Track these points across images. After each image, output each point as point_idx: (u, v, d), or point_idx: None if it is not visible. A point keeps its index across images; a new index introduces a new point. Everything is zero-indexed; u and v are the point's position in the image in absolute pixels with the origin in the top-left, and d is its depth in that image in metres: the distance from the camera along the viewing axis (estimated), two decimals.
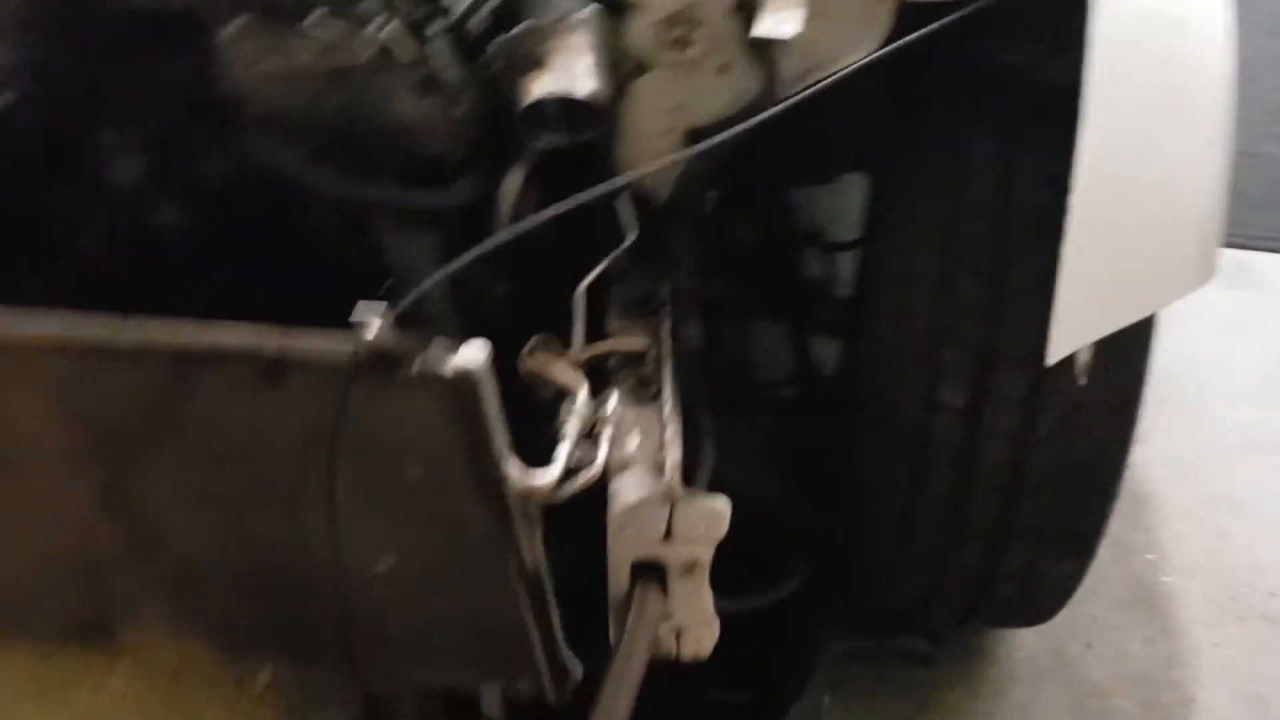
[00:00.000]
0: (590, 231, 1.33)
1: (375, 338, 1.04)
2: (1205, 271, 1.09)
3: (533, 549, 1.19)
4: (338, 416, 1.09)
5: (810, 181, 1.72)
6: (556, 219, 1.34)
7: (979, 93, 1.26)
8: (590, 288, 1.28)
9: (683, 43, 1.20)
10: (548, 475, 1.10)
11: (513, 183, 1.28)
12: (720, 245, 1.57)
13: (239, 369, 1.12)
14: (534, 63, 1.19)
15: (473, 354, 1.06)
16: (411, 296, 1.07)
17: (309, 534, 1.22)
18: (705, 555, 1.15)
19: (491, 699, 1.37)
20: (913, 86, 1.28)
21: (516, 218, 1.29)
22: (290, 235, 1.32)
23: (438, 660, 1.36)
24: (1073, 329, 1.05)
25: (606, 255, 1.29)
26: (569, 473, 1.10)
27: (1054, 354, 1.05)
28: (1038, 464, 1.29)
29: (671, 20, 1.19)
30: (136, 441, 1.24)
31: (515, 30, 1.19)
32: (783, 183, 1.67)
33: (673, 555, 1.15)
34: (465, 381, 1.05)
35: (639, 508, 1.11)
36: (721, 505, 1.11)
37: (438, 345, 1.06)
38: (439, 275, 1.08)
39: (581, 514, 1.20)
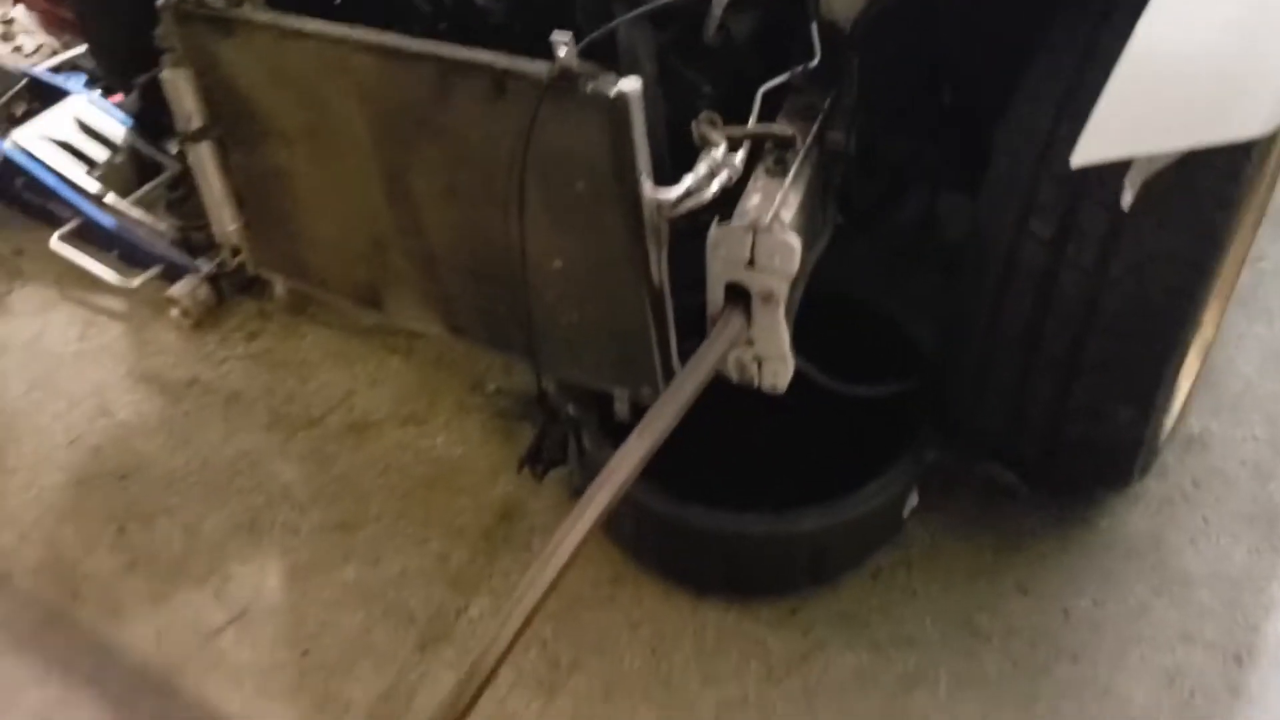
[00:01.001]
0: (787, 49, 1.63)
1: (563, 59, 1.40)
2: (1253, 121, 1.23)
3: (659, 265, 1.53)
4: (532, 122, 1.47)
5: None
6: (760, 35, 1.66)
7: None
8: (772, 94, 1.58)
9: None
10: (672, 192, 1.42)
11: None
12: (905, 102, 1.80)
13: (478, 79, 1.52)
14: None
15: (630, 84, 1.41)
16: (598, 33, 1.42)
17: (510, 230, 1.61)
18: (780, 288, 1.44)
19: (621, 403, 1.72)
20: None
21: (723, 26, 1.61)
22: None
23: (585, 361, 1.73)
24: (1101, 140, 1.24)
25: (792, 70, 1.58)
26: (688, 194, 1.42)
27: (1077, 158, 1.25)
28: (1108, 303, 1.46)
29: None
30: (409, 133, 1.67)
31: None
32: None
33: (755, 282, 1.45)
34: (621, 103, 1.40)
35: (729, 230, 1.42)
36: (794, 241, 1.40)
37: (607, 75, 1.41)
38: (621, 19, 1.42)
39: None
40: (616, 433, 1.55)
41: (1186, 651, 1.74)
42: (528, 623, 1.27)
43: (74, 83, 2.73)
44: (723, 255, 1.45)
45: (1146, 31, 1.24)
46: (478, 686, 1.25)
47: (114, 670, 1.83)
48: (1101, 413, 1.58)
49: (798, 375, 1.61)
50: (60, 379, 2.33)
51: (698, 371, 1.45)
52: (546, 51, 1.40)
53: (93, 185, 2.50)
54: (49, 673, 1.83)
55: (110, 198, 2.49)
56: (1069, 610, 1.80)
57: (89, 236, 2.51)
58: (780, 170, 1.51)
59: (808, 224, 1.53)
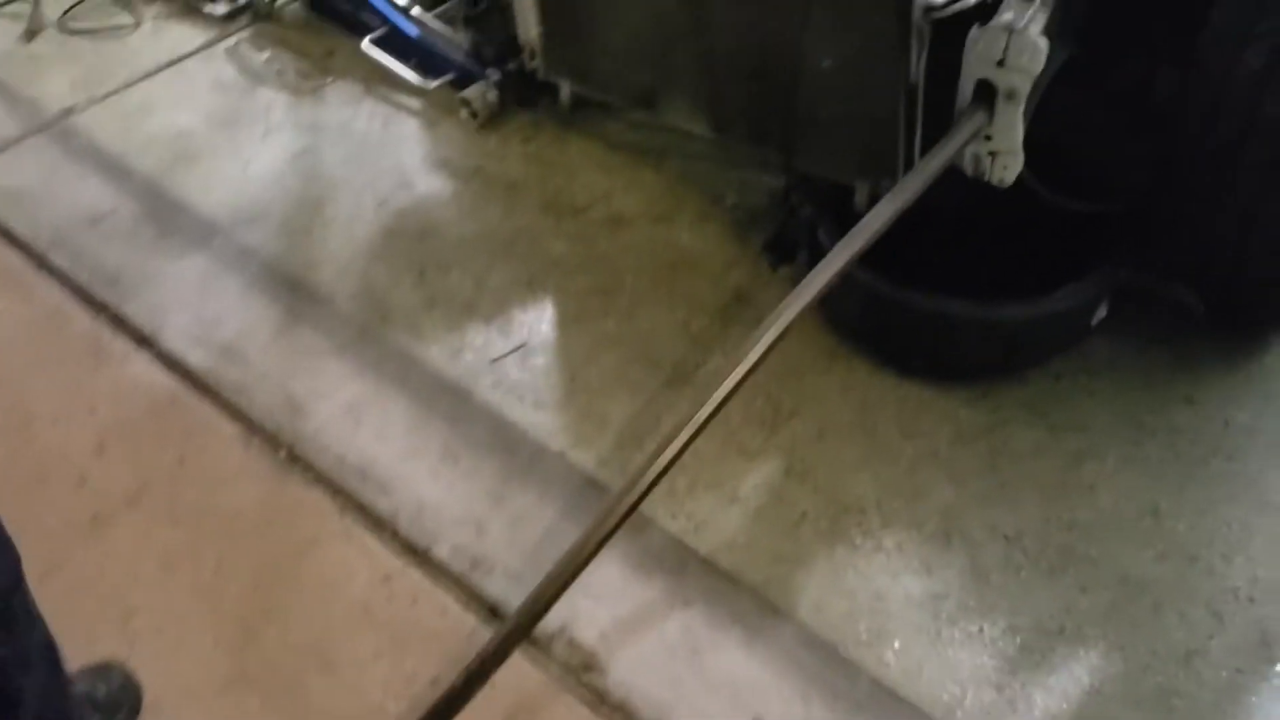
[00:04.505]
0: None
1: None
2: None
3: (919, 63, 1.83)
4: None
5: None
6: None
7: None
8: None
9: None
10: None
11: None
12: None
13: None
14: None
15: None
16: None
17: (790, 28, 1.93)
18: (1024, 86, 1.73)
19: (862, 195, 2.03)
20: None
21: None
22: None
23: (836, 154, 2.05)
24: None
25: None
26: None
27: None
28: None
29: None
30: None
31: None
32: None
33: (1002, 79, 1.74)
34: None
35: (988, 29, 1.72)
36: (1043, 42, 1.69)
37: None
38: None
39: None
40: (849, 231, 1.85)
41: None
42: (757, 365, 1.54)
43: None
44: (978, 52, 1.75)
45: None
46: (710, 413, 1.53)
47: (416, 376, 2.25)
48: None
49: (1017, 186, 1.90)
50: (368, 156, 2.77)
51: (939, 157, 1.76)
52: None
53: None
54: (364, 372, 2.27)
55: (415, 10, 2.89)
56: (1229, 420, 2.07)
57: (393, 44, 2.92)
58: None
59: (1050, 39, 1.81)
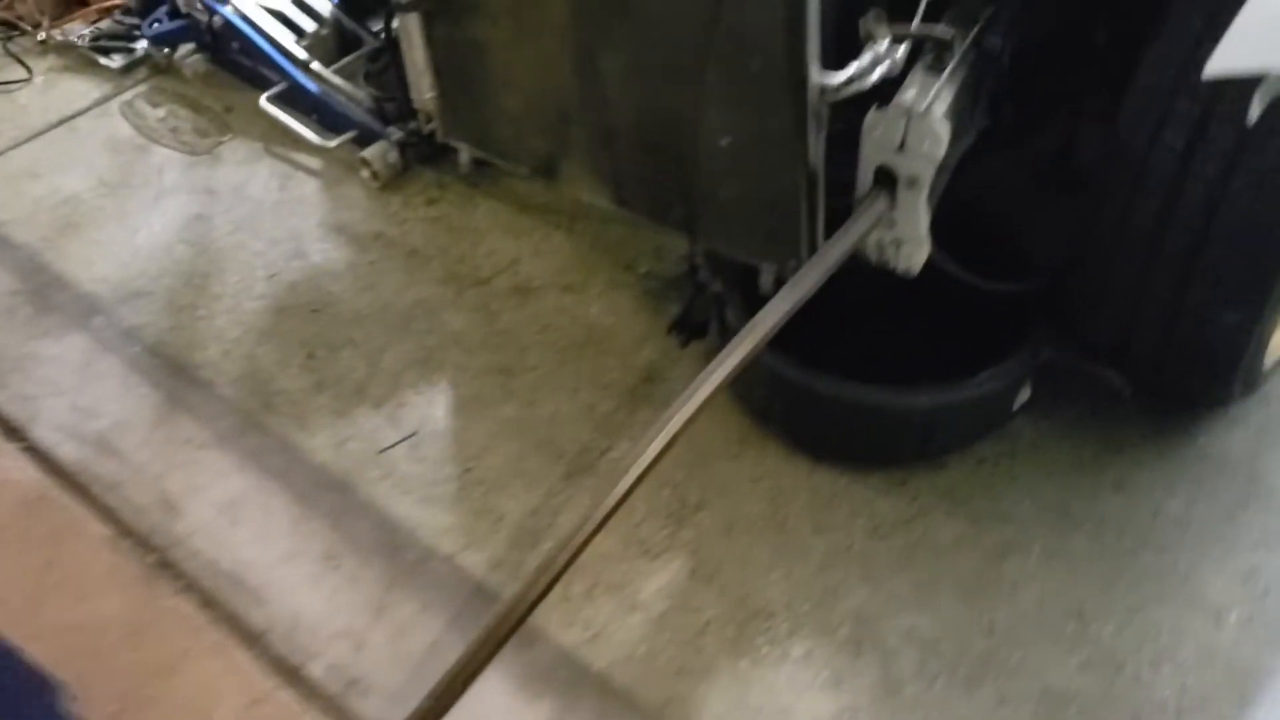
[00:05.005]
0: None
1: None
2: None
3: (817, 145, 1.71)
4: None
5: None
6: None
7: None
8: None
9: None
10: (837, 77, 1.60)
11: None
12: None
13: None
14: None
15: None
16: None
17: (687, 106, 1.80)
18: (926, 173, 1.61)
19: (767, 275, 1.91)
20: None
21: None
22: None
23: (739, 234, 1.92)
24: (1234, 55, 1.38)
25: None
26: (850, 80, 1.59)
27: (1209, 70, 1.39)
28: (1226, 213, 1.60)
29: None
30: (604, 12, 1.86)
31: None
32: None
33: (902, 165, 1.62)
34: None
35: (885, 114, 1.59)
36: (943, 128, 1.56)
37: None
38: None
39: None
40: (758, 308, 1.72)
41: (1267, 556, 1.88)
42: (661, 455, 1.45)
43: None
44: (876, 138, 1.62)
45: None
46: (612, 507, 1.44)
47: (300, 470, 2.11)
48: (1209, 316, 1.72)
49: (929, 268, 1.78)
50: (262, 222, 2.61)
51: (840, 245, 1.64)
52: None
53: (300, 53, 2.76)
54: (244, 465, 2.12)
55: (315, 65, 2.75)
56: (1159, 509, 1.95)
57: (293, 99, 2.78)
58: (937, 68, 1.67)
59: (956, 120, 1.69)
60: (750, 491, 2.01)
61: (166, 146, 2.84)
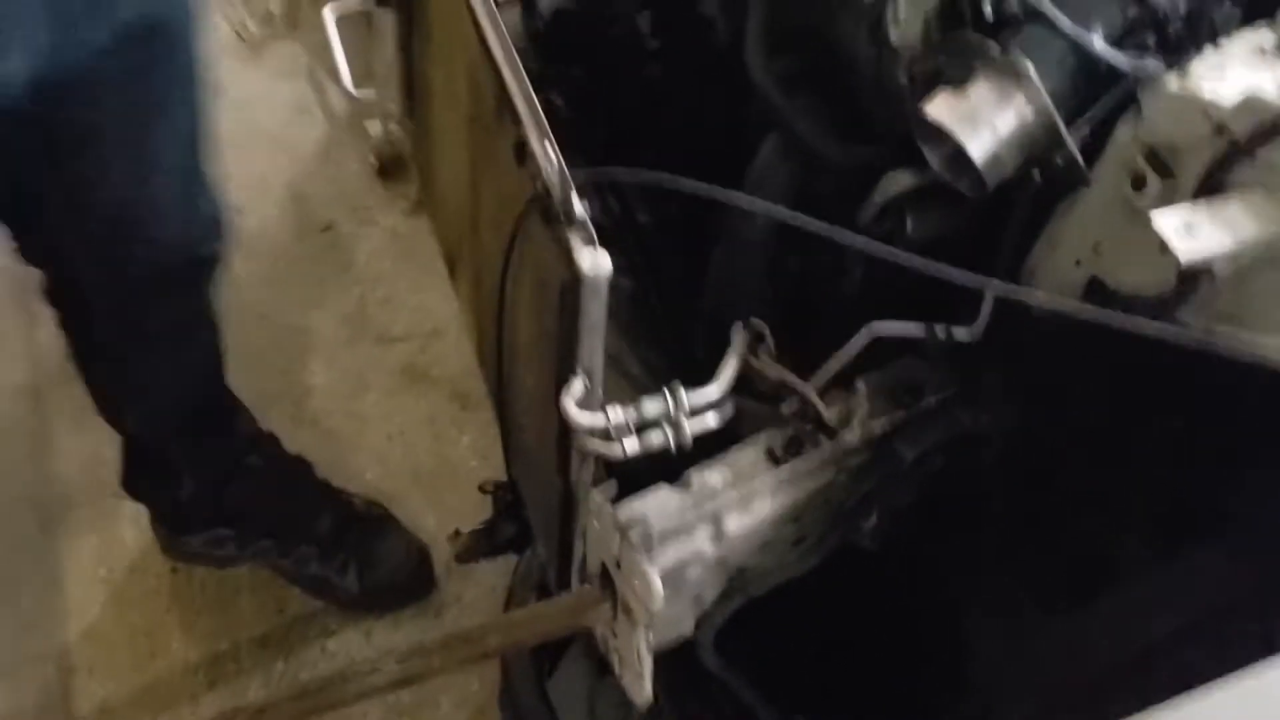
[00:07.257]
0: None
1: (545, 178, 0.99)
2: None
3: (581, 470, 1.10)
4: (516, 223, 1.08)
5: None
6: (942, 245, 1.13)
7: None
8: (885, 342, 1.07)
9: (1139, 181, 0.89)
10: (591, 419, 0.98)
11: (895, 184, 1.07)
12: None
13: (507, 136, 1.11)
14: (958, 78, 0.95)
15: (599, 262, 0.95)
16: (593, 172, 1.00)
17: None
18: (640, 611, 0.99)
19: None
20: None
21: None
22: None
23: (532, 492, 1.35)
24: None
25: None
26: (607, 433, 0.97)
27: None
28: None
29: (1151, 151, 0.89)
30: (481, 144, 1.31)
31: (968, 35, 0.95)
32: None
33: (620, 584, 1.01)
34: (574, 274, 0.96)
35: (601, 508, 0.98)
36: (655, 582, 0.94)
37: (585, 225, 0.97)
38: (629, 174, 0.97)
39: None
40: None
41: None
42: None
43: None
44: (595, 528, 1.01)
45: None
46: None
47: None
48: None
49: None
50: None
51: (522, 631, 1.06)
52: None
53: None
54: None
55: None
56: None
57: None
58: (783, 459, 1.03)
59: (760, 554, 1.05)
60: None
61: (226, 21, 2.46)
